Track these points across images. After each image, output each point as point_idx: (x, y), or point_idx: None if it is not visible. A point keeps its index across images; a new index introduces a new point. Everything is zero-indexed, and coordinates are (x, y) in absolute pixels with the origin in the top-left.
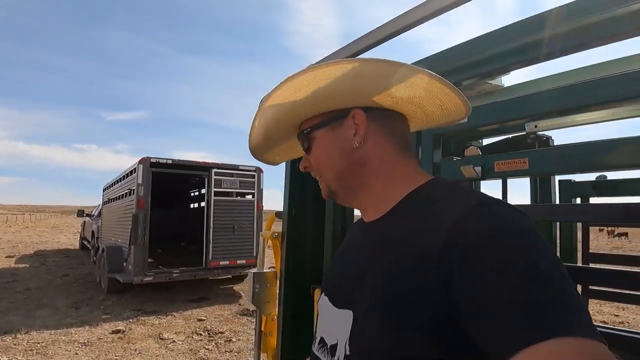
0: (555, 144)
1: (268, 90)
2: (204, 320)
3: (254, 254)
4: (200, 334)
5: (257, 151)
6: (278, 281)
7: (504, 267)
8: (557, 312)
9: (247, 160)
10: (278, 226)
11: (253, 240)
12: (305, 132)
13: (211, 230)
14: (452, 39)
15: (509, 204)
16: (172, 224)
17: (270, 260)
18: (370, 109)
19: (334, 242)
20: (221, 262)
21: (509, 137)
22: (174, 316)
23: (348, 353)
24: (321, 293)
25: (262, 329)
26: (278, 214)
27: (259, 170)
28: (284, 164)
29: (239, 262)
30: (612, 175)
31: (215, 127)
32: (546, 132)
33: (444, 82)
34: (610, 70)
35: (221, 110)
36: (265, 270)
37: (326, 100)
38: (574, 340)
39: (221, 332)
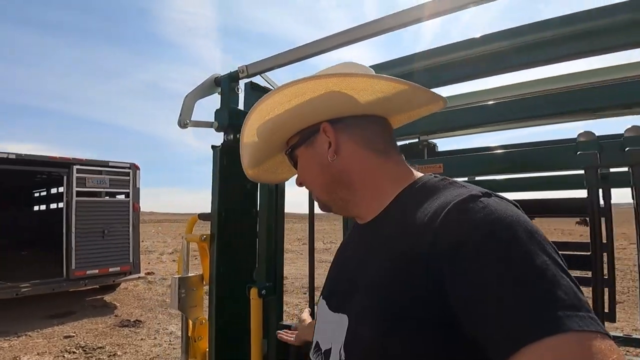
0: (439, 149)
1: (132, 75)
2: (74, 336)
3: (130, 260)
4: (74, 352)
5: (257, 177)
6: (208, 285)
7: (496, 263)
8: (556, 307)
9: (110, 155)
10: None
11: (129, 245)
12: (287, 152)
13: (73, 235)
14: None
15: (499, 195)
16: (9, 230)
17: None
18: (338, 119)
19: (268, 240)
20: (88, 272)
21: (405, 144)
22: (30, 336)
23: (344, 358)
24: (320, 297)
25: (190, 334)
26: (202, 216)
27: (134, 167)
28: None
29: (111, 270)
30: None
31: (63, 116)
32: (433, 140)
33: (385, 77)
34: (492, 96)
35: (73, 98)
36: (190, 275)
37: (296, 119)
38: (576, 335)
39: (100, 347)
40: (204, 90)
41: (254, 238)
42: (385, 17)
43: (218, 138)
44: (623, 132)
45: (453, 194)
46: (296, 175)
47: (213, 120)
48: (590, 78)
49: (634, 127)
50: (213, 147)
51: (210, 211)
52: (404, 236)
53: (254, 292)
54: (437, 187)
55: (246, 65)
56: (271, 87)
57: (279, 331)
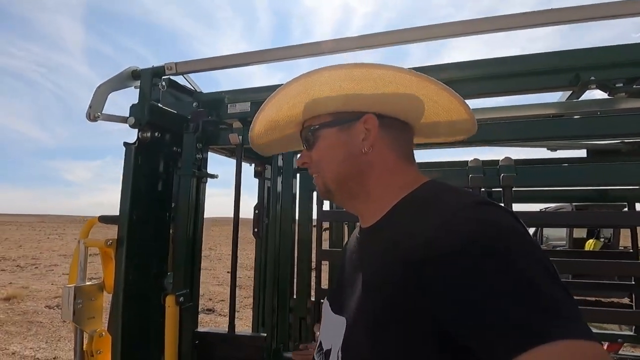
0: None
1: None
2: None
3: None
4: None
5: (257, 138)
6: (113, 293)
7: (489, 272)
8: (548, 316)
9: None
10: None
11: None
12: (312, 128)
13: None
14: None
15: (496, 204)
16: None
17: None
18: (381, 116)
19: (186, 245)
20: None
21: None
22: None
23: (341, 359)
24: (325, 298)
25: (86, 348)
26: (105, 219)
27: None
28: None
29: None
30: None
31: None
32: None
33: (455, 95)
34: None
35: None
36: (87, 284)
37: (342, 100)
38: (568, 343)
39: None
40: (119, 82)
41: (166, 243)
42: (320, 42)
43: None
44: (500, 160)
45: (450, 202)
46: (301, 154)
47: (128, 115)
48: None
49: (507, 158)
50: (126, 144)
51: (114, 213)
52: (399, 243)
53: (170, 300)
54: (436, 195)
55: (175, 63)
56: (192, 88)
57: (294, 352)
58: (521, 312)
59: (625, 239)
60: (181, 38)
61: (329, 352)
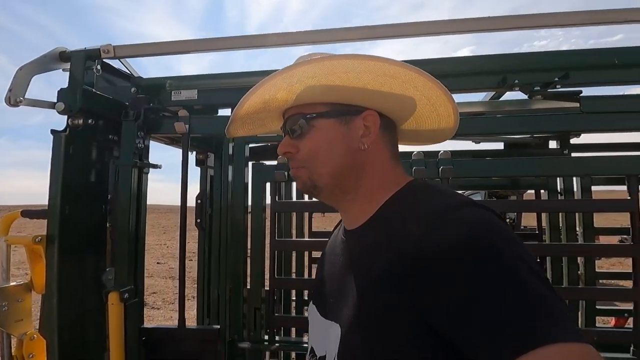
0: None
1: None
2: None
3: None
4: None
5: (239, 119)
6: (44, 294)
7: (478, 275)
8: (539, 320)
9: None
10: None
11: None
12: (308, 116)
13: None
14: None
15: (481, 204)
16: None
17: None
18: (380, 114)
19: (128, 236)
20: None
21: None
22: None
23: None
24: (310, 301)
25: (14, 352)
26: (30, 214)
27: None
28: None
29: None
30: None
31: None
32: None
33: (447, 93)
34: None
35: None
36: (12, 284)
37: (347, 92)
38: (560, 347)
39: None
40: (44, 64)
41: (103, 238)
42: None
43: None
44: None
45: (437, 203)
46: (284, 142)
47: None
48: None
49: (445, 152)
50: (54, 132)
51: (12, 203)
52: (387, 247)
53: (114, 297)
54: (422, 196)
55: (113, 46)
56: (129, 73)
57: None
58: (511, 314)
59: (525, 220)
60: (97, 10)
61: (323, 358)
